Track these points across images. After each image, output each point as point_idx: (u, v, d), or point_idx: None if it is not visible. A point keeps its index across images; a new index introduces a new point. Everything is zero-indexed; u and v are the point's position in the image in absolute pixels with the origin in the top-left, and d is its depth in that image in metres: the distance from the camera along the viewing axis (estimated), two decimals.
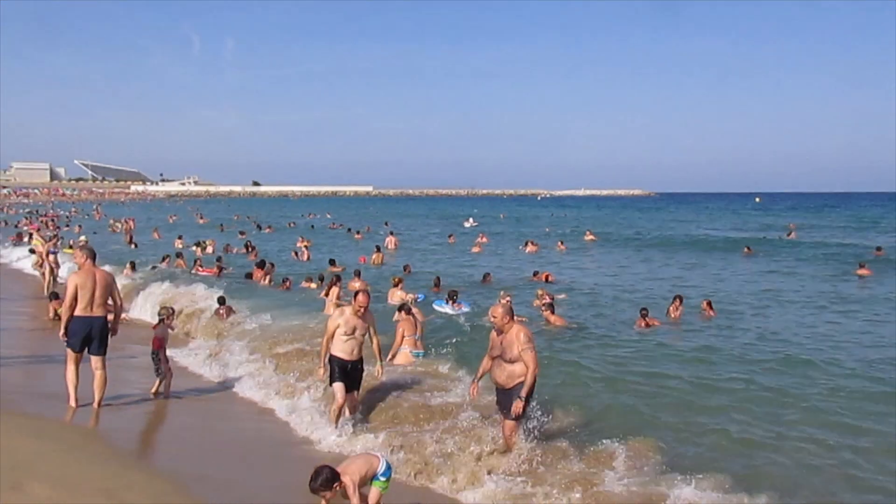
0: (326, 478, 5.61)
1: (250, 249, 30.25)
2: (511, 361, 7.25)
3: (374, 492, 5.88)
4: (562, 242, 35.78)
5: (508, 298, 14.66)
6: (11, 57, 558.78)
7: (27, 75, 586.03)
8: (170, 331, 10.23)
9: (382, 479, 5.89)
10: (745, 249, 31.86)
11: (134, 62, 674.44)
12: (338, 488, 5.65)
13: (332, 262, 24.90)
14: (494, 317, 7.43)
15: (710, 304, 16.16)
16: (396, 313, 12.47)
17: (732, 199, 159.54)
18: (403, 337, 11.32)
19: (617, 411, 8.95)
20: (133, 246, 33.10)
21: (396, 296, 16.11)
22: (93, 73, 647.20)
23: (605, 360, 11.60)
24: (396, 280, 17.04)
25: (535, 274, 22.45)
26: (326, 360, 8.37)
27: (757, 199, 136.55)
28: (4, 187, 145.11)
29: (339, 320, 8.26)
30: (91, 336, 8.55)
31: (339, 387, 8.19)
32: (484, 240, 37.91)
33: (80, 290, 8.48)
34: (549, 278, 21.63)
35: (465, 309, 14.99)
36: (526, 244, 34.89)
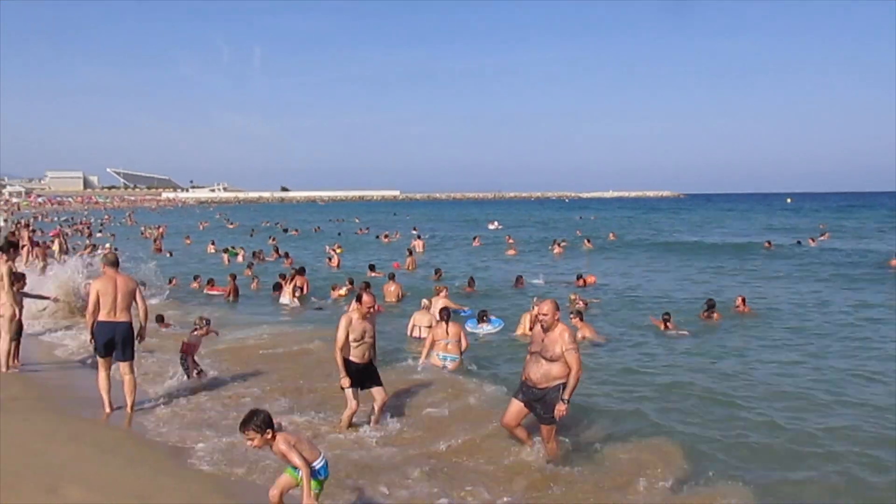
0: (263, 420, 5.36)
1: (285, 255, 30.38)
2: (551, 360, 7.05)
3: (285, 479, 5.52)
4: (588, 240, 36.11)
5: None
6: (45, 68, 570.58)
7: (61, 86, 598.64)
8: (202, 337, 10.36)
9: (316, 478, 5.46)
10: (766, 244, 33.55)
11: (164, 71, 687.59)
12: (268, 439, 5.36)
13: (371, 268, 24.53)
14: (544, 314, 7.16)
15: (744, 300, 16.14)
16: (432, 316, 12.73)
17: (762, 200, 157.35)
18: (434, 341, 11.36)
19: (640, 419, 8.85)
20: (168, 254, 33.68)
21: (440, 304, 15.77)
22: (124, 82, 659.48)
23: (633, 364, 11.49)
24: (439, 289, 16.82)
25: (580, 278, 22.05)
26: (344, 367, 8.19)
27: (788, 200, 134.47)
28: (40, 196, 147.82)
29: (349, 328, 8.24)
30: (115, 341, 8.61)
31: (354, 392, 8.22)
32: (511, 241, 37.89)
33: (102, 296, 8.56)
34: (589, 281, 21.30)
35: (491, 328, 14.57)
36: (554, 245, 34.98)
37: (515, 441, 7.59)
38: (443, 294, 16.19)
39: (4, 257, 10.88)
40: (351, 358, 8.24)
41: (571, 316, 14.16)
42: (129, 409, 8.76)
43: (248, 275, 23.47)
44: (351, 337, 8.22)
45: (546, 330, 7.14)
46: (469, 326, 14.64)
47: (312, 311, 18.03)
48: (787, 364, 11.73)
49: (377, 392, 8.44)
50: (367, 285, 18.66)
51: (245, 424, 5.38)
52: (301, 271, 20.80)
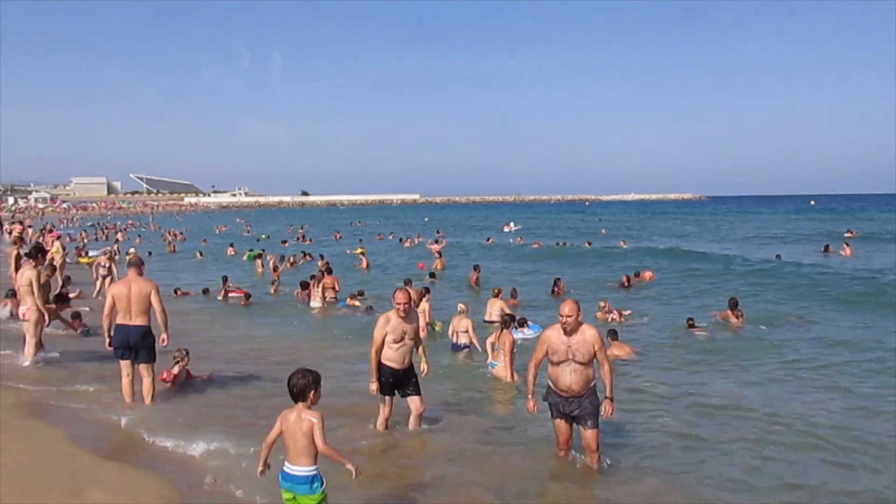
0: (315, 378, 5.09)
1: (320, 256, 30.35)
2: (585, 363, 6.76)
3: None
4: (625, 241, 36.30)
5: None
6: (70, 75, 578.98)
7: (85, 91, 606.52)
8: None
9: (314, 494, 4.88)
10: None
11: (186, 77, 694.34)
12: (311, 399, 5.03)
13: (432, 275, 24.26)
14: (567, 315, 6.74)
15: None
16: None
17: (786, 202, 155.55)
18: (493, 347, 11.44)
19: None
20: (199, 254, 35.15)
21: (497, 306, 15.73)
22: (147, 88, 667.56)
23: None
24: (497, 291, 16.73)
25: (637, 275, 21.52)
26: (376, 371, 7.93)
27: (812, 203, 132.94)
28: (65, 201, 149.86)
29: (387, 328, 7.83)
30: (131, 345, 8.68)
31: (388, 400, 7.98)
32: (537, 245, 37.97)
33: (117, 299, 8.68)
34: (646, 277, 20.95)
35: (530, 332, 14.10)
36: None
37: (556, 455, 7.30)
38: (500, 296, 16.18)
39: (33, 262, 11.04)
40: (386, 362, 7.85)
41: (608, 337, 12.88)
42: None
43: (276, 277, 23.46)
44: (390, 338, 7.82)
45: (570, 333, 6.79)
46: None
47: (340, 315, 17.81)
48: None
49: (413, 402, 8.09)
50: (408, 282, 18.66)
51: (302, 381, 5.03)
52: (329, 271, 20.37)
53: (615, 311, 16.31)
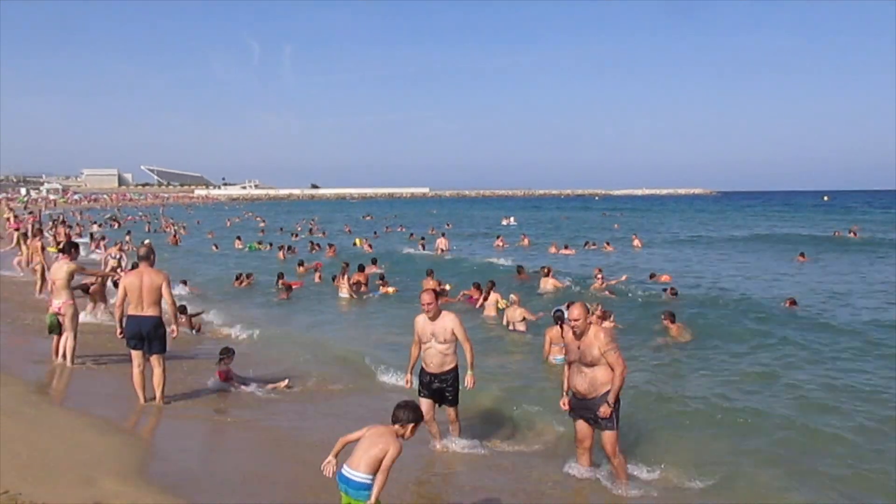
0: (417, 417, 5.24)
1: (329, 245, 31.03)
2: (591, 365, 6.66)
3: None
4: (638, 238, 36.27)
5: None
6: (82, 68, 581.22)
7: (96, 84, 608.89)
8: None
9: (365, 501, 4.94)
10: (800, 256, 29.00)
11: (197, 69, 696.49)
12: (405, 431, 5.16)
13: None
14: (576, 319, 6.70)
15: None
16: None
17: (797, 197, 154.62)
18: (551, 343, 11.69)
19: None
20: (214, 247, 35.73)
21: (550, 284, 16.75)
22: (158, 81, 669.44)
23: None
24: (546, 270, 17.46)
25: (652, 276, 21.40)
26: (414, 368, 7.84)
27: (825, 198, 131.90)
28: (76, 193, 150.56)
29: (417, 326, 7.62)
30: (143, 335, 8.77)
31: (421, 402, 7.43)
32: (525, 241, 38.07)
33: (129, 291, 8.77)
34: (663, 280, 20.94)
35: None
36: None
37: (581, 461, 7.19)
38: (550, 274, 16.68)
39: (68, 257, 11.08)
40: (423, 365, 7.58)
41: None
42: (158, 401, 8.95)
43: (302, 272, 24.24)
44: (418, 338, 7.61)
45: (580, 336, 6.76)
46: None
47: (367, 311, 18.21)
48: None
49: (448, 412, 7.76)
50: (430, 272, 19.02)
51: (406, 415, 5.18)
52: (361, 268, 21.29)
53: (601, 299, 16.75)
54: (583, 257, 30.83)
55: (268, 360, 11.90)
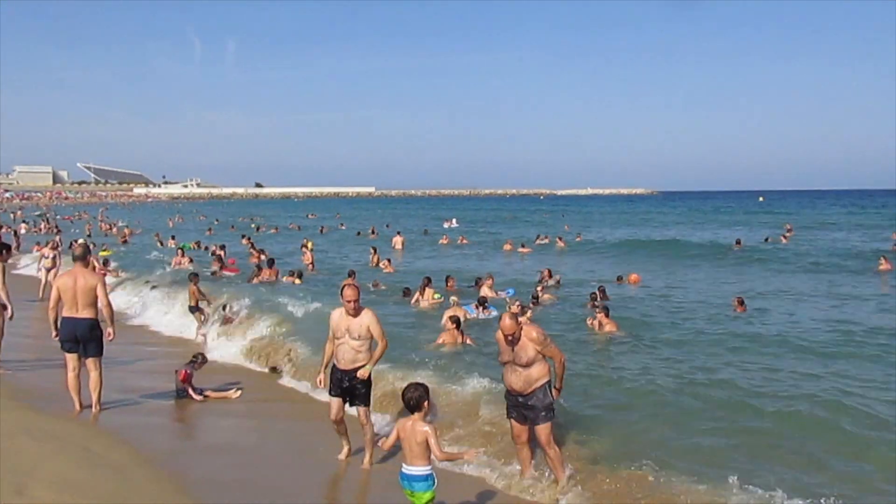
0: (425, 389, 5.66)
1: (259, 251, 30.20)
2: (526, 365, 6.69)
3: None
4: (560, 239, 36.41)
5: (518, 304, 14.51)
6: (13, 59, 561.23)
7: (29, 78, 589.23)
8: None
9: (429, 490, 5.43)
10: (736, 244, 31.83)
11: (136, 64, 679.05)
12: (425, 409, 5.54)
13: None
14: (509, 331, 6.61)
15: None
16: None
17: (735, 198, 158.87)
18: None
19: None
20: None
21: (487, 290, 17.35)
22: (95, 75, 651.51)
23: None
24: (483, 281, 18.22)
25: (619, 279, 20.83)
26: (326, 366, 7.44)
27: (761, 199, 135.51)
28: (7, 191, 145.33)
29: (331, 322, 7.27)
30: (78, 338, 8.53)
31: (331, 401, 7.34)
32: (464, 241, 38.27)
33: (63, 292, 8.56)
34: (632, 280, 20.84)
35: (495, 313, 14.29)
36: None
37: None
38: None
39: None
40: (335, 361, 7.29)
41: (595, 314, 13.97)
42: (94, 406, 8.71)
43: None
44: (332, 333, 7.26)
45: (512, 343, 6.72)
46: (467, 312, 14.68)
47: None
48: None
49: (358, 412, 7.31)
50: (352, 274, 18.81)
51: (414, 395, 5.55)
52: (272, 263, 21.77)
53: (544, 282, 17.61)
54: (538, 257, 30.73)
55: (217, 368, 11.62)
